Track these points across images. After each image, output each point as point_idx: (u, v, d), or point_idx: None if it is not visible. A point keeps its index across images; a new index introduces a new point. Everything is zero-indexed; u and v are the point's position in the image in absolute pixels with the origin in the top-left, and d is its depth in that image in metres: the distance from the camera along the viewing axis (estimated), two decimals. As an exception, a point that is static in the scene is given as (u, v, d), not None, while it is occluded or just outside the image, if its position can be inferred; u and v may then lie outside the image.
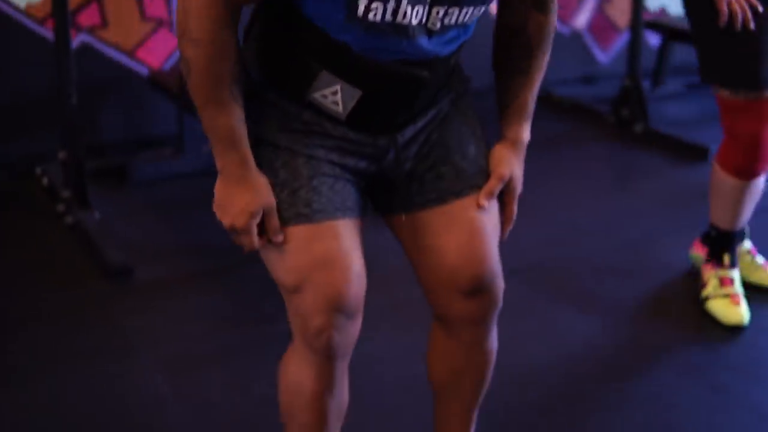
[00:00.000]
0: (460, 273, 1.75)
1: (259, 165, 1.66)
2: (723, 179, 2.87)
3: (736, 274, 2.99)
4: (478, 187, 1.76)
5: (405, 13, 1.56)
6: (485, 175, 1.79)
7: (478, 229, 1.76)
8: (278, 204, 1.65)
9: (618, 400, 2.61)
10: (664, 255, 3.41)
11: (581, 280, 3.26)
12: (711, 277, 2.99)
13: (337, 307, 1.66)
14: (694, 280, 3.12)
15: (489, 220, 1.78)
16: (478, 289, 1.77)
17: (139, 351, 2.79)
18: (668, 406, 2.56)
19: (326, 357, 1.72)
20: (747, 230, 3.10)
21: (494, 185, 1.77)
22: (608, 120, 4.80)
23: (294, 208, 1.64)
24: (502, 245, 1.84)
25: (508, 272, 1.88)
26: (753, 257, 3.13)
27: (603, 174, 4.29)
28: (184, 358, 2.76)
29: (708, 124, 4.41)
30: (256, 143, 1.67)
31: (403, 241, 1.82)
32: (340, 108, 1.69)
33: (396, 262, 1.93)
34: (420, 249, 1.78)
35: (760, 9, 2.60)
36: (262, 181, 1.64)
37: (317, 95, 1.68)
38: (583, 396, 2.62)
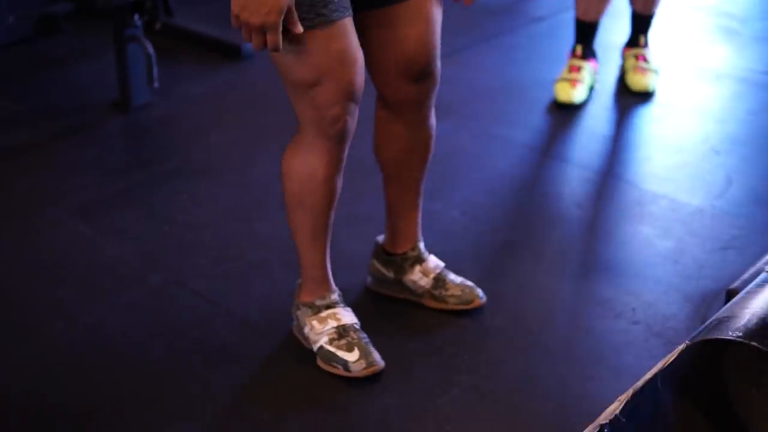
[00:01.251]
0: (416, 60, 2.06)
1: None
2: None
3: (585, 64, 3.43)
4: None
5: None
6: None
7: (433, 20, 2.06)
8: (299, 7, 1.80)
9: (481, 178, 3.05)
10: (483, 62, 3.83)
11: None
12: (567, 64, 3.45)
13: (350, 96, 1.95)
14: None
15: (439, 13, 2.07)
16: (427, 73, 2.09)
17: (44, 206, 2.83)
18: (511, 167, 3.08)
19: (338, 141, 2.00)
20: None
21: None
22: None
23: (314, 9, 1.82)
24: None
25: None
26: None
27: None
28: (91, 205, 2.84)
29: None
30: None
31: (370, 36, 2.03)
32: None
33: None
34: (386, 40, 2.03)
35: None
36: None
37: None
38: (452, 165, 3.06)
